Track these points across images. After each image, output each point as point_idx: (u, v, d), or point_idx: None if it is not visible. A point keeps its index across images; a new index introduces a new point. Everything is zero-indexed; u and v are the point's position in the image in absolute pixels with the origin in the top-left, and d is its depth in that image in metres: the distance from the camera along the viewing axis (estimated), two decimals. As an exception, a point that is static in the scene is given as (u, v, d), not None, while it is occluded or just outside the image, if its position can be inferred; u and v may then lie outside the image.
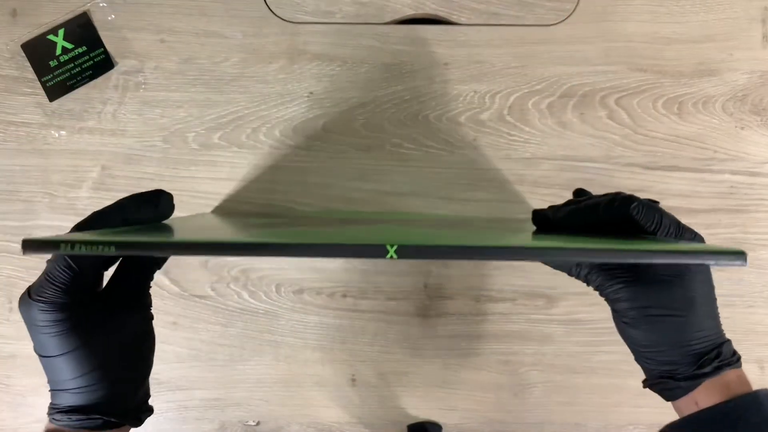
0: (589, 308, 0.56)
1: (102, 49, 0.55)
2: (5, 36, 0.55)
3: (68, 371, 0.34)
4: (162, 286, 0.56)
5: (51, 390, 0.35)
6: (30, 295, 0.34)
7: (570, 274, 0.39)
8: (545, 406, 0.57)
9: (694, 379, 0.35)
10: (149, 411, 0.39)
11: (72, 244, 0.26)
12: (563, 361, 0.56)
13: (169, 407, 0.57)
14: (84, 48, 0.55)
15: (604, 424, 0.57)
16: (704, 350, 0.35)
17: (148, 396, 0.39)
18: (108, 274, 0.37)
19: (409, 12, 0.56)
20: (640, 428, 0.57)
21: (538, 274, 0.56)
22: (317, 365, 0.57)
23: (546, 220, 0.38)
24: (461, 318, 0.56)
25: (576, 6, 0.55)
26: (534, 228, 0.39)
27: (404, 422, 0.57)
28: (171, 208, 0.40)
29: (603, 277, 0.37)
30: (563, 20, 0.55)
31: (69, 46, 0.55)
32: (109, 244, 0.27)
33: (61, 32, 0.55)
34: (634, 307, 0.35)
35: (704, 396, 0.35)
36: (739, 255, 0.27)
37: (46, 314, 0.33)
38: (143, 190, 0.38)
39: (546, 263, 0.39)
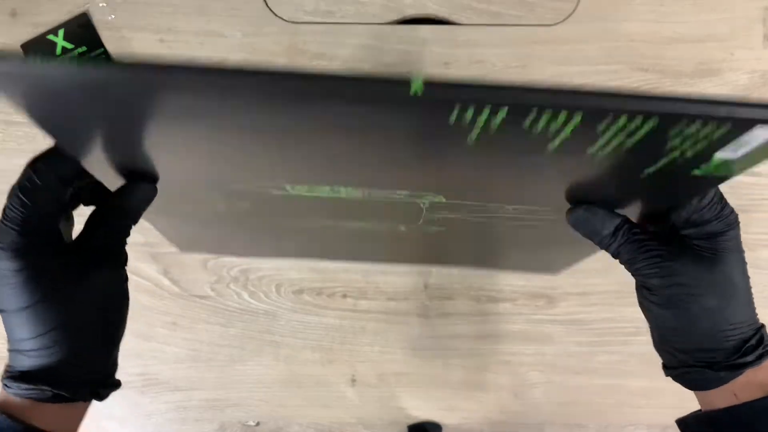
0: (589, 308, 0.56)
1: (102, 49, 0.55)
2: (5, 36, 0.55)
3: (26, 329, 0.31)
4: (162, 286, 0.56)
5: (9, 350, 0.32)
6: None
7: (601, 244, 0.34)
8: (545, 406, 0.57)
9: (735, 369, 0.32)
10: (114, 386, 0.35)
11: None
12: (563, 361, 0.56)
13: (169, 407, 0.57)
14: (84, 48, 0.55)
15: (604, 424, 0.57)
16: (746, 337, 0.32)
17: (116, 368, 0.35)
18: (77, 230, 0.33)
19: (409, 12, 0.55)
20: (640, 428, 0.57)
21: (538, 274, 0.56)
22: (317, 365, 0.57)
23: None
24: (461, 318, 0.56)
25: (577, 6, 0.55)
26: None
27: (404, 422, 0.57)
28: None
29: (636, 249, 0.33)
30: (564, 20, 0.55)
31: (69, 46, 0.55)
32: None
33: (61, 32, 0.55)
34: (668, 284, 0.32)
35: (743, 388, 0.32)
36: None
37: (1, 261, 0.30)
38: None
39: (576, 222, 0.34)
